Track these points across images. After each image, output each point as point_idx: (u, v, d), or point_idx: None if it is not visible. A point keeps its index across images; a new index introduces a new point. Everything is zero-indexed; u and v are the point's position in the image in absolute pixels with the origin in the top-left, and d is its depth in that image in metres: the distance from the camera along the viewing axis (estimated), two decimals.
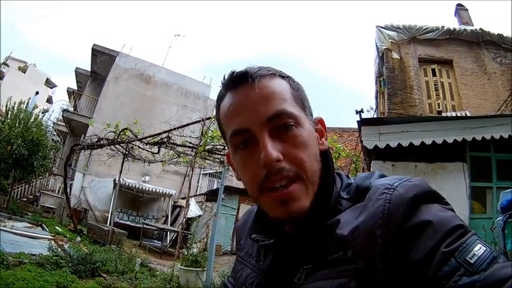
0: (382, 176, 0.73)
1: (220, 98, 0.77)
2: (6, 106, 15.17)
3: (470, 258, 0.53)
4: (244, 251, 0.90)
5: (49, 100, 37.07)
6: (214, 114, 8.62)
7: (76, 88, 22.73)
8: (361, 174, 0.77)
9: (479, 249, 0.55)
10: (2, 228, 9.05)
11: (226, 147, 0.82)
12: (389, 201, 0.61)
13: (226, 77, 0.75)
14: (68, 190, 13.55)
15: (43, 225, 12.13)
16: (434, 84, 9.68)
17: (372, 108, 12.56)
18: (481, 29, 10.02)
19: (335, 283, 0.60)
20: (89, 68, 20.99)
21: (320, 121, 0.81)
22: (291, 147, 0.69)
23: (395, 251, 0.57)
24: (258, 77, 0.71)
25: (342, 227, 0.65)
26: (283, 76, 0.76)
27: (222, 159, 9.20)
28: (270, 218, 0.72)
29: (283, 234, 0.75)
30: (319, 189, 0.71)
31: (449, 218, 0.59)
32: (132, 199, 17.01)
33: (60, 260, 6.47)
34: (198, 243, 9.72)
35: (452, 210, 0.63)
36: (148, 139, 9.80)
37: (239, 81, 0.73)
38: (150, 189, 16.66)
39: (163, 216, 17.33)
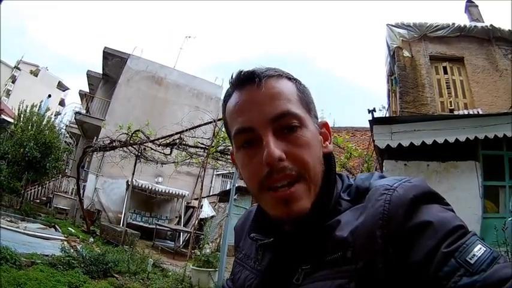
0: (381, 177, 0.74)
1: (227, 96, 0.78)
2: (19, 109, 15.38)
3: (470, 259, 0.53)
4: (242, 253, 0.90)
5: (61, 103, 37.51)
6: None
7: (88, 91, 22.96)
8: (360, 176, 0.77)
9: (479, 249, 0.55)
10: (15, 229, 9.17)
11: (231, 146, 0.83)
12: (389, 202, 0.61)
13: (234, 76, 0.76)
14: (81, 191, 13.67)
15: (56, 226, 12.24)
16: (446, 82, 9.59)
17: (384, 107, 12.47)
18: (491, 25, 9.89)
19: (334, 283, 0.60)
20: (100, 71, 21.12)
21: (325, 125, 0.81)
22: (295, 147, 0.69)
23: (395, 251, 0.58)
24: (265, 77, 0.72)
25: (342, 228, 0.65)
26: (290, 78, 0.77)
27: None
28: (271, 216, 0.73)
29: (283, 233, 0.75)
30: (321, 191, 0.71)
31: (450, 219, 0.59)
32: (145, 200, 17.05)
33: (73, 261, 6.53)
34: (210, 244, 9.75)
35: (453, 211, 0.63)
36: (160, 140, 9.87)
37: (246, 81, 0.73)
38: (163, 190, 16.69)
39: (176, 217, 17.35)
